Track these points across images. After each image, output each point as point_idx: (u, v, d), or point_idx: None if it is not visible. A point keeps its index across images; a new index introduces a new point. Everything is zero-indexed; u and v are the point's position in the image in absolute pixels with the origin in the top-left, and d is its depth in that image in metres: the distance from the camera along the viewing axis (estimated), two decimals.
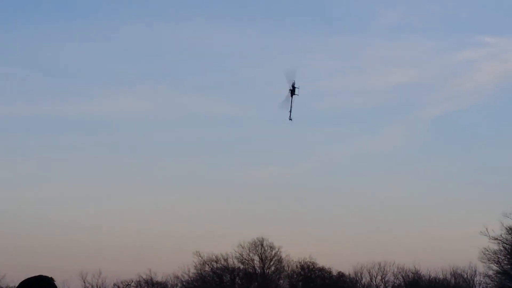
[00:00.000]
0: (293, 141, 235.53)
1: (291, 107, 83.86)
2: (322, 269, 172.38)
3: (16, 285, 12.99)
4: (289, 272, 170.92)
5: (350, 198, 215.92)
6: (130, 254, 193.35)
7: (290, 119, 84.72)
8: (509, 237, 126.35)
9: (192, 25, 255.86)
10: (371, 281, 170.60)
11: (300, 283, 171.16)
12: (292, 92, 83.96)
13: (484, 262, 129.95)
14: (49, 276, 13.05)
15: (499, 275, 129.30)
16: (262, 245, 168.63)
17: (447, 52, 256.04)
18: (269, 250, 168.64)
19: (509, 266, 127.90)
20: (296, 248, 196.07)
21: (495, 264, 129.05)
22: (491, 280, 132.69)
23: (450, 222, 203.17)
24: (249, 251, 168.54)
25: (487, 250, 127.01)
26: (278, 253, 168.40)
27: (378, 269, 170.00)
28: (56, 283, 13.10)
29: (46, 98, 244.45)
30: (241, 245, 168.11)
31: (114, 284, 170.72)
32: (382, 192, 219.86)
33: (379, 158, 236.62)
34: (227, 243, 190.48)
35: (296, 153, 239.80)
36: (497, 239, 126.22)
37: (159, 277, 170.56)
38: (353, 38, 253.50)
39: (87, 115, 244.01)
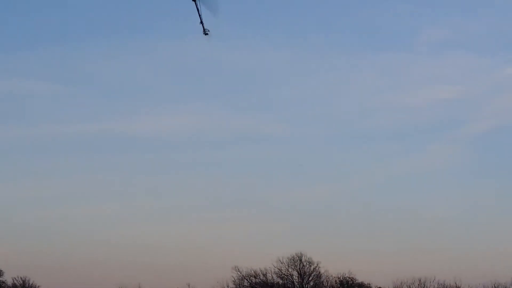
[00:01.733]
0: (334, 159, 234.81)
1: (200, 17, 66.18)
2: (361, 285, 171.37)
3: None
4: (328, 287, 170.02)
5: (391, 215, 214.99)
6: (169, 268, 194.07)
7: (206, 33, 67.08)
8: None
9: (242, 45, 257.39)
10: None
11: None
12: None
13: None
14: None
15: None
16: (300, 260, 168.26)
17: (492, 68, 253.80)
18: (307, 266, 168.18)
19: None
20: (335, 263, 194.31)
21: None
22: None
23: (492, 239, 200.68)
24: (288, 266, 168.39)
25: None
26: (317, 268, 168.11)
27: (418, 285, 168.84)
28: None
29: (93, 116, 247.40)
30: (280, 260, 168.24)
31: None
32: (424, 209, 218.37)
33: (422, 175, 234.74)
34: (266, 259, 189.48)
35: (338, 171, 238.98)
36: None
37: None
38: (398, 54, 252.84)
39: (130, 134, 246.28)
